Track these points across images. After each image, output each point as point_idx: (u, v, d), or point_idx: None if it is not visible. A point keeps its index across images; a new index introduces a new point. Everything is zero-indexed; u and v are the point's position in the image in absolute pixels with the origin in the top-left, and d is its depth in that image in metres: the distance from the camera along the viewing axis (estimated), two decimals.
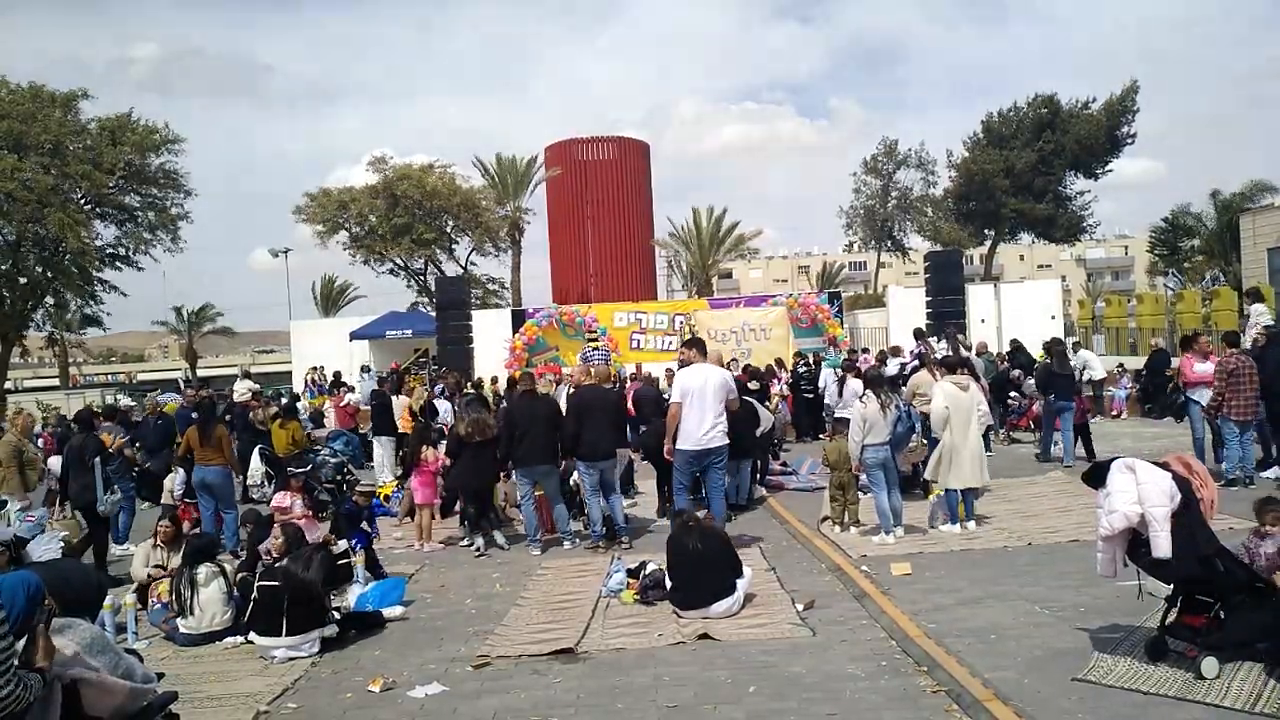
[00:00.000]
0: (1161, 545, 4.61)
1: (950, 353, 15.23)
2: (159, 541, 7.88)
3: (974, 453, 8.49)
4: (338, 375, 22.17)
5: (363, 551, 7.85)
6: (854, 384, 8.68)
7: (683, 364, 9.03)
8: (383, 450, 13.90)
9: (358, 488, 9.43)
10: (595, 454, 8.91)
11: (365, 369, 22.24)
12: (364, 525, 8.55)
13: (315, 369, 24.31)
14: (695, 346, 8.67)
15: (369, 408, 15.33)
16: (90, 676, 3.42)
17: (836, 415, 13.68)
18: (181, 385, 20.70)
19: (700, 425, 8.11)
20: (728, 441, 8.29)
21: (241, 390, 18.22)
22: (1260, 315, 13.40)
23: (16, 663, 3.08)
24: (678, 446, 8.20)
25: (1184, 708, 4.35)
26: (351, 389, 19.38)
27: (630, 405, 13.05)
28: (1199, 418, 10.56)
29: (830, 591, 7.01)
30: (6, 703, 3.00)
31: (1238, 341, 11.68)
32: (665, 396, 11.59)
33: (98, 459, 9.09)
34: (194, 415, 11.52)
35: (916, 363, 14.64)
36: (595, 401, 9.08)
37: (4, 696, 2.99)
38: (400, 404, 14.26)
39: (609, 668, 5.61)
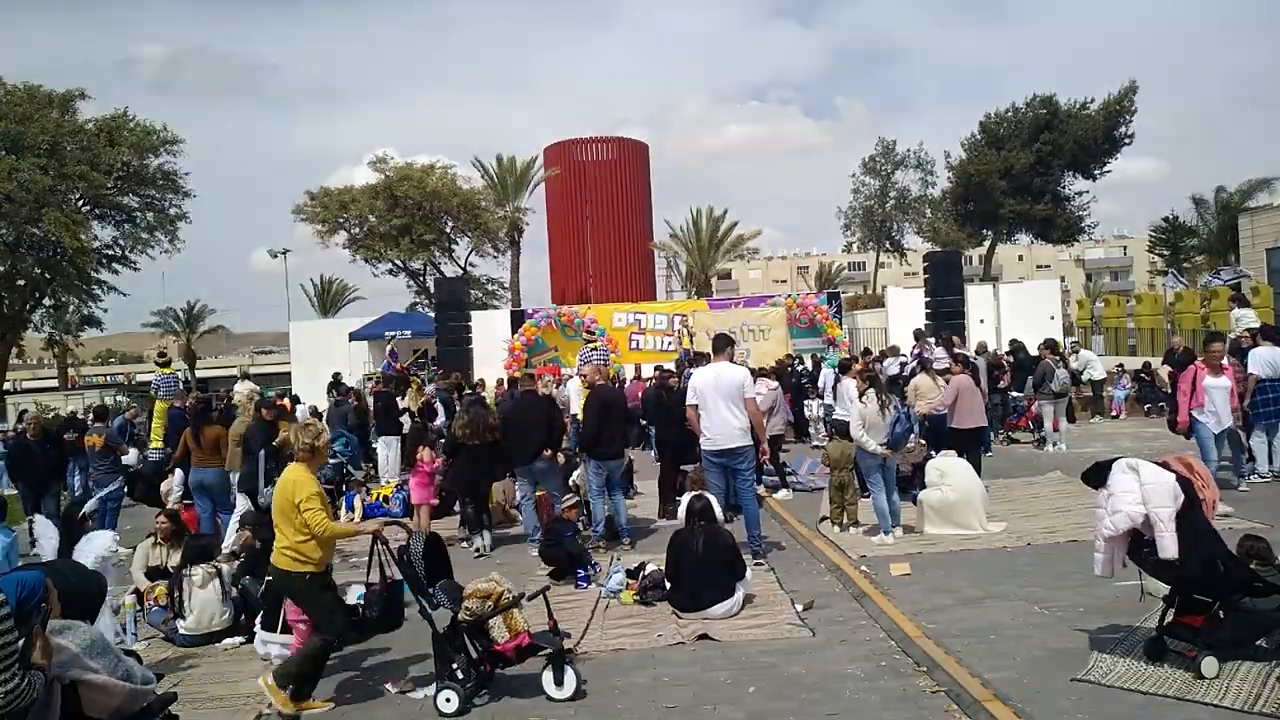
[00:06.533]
0: (1168, 546, 4.59)
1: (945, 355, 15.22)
2: (159, 540, 7.86)
3: None
4: (337, 376, 22.07)
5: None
6: (845, 385, 8.64)
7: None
8: (386, 450, 13.87)
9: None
10: (612, 452, 8.98)
11: (369, 378, 22.04)
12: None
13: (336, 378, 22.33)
14: (715, 343, 8.40)
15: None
16: (90, 678, 3.42)
17: (835, 417, 13.66)
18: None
19: (714, 424, 7.78)
20: (749, 442, 7.85)
21: (244, 391, 18.17)
22: (1240, 319, 13.57)
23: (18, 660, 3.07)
24: (702, 448, 7.98)
25: (1184, 708, 4.35)
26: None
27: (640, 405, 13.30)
28: (1208, 438, 9.23)
29: (830, 592, 7.01)
30: (11, 697, 2.98)
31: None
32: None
33: (263, 451, 9.39)
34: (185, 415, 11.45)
35: (916, 364, 14.63)
36: (615, 400, 9.25)
37: (9, 691, 2.97)
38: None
39: (609, 668, 5.61)
